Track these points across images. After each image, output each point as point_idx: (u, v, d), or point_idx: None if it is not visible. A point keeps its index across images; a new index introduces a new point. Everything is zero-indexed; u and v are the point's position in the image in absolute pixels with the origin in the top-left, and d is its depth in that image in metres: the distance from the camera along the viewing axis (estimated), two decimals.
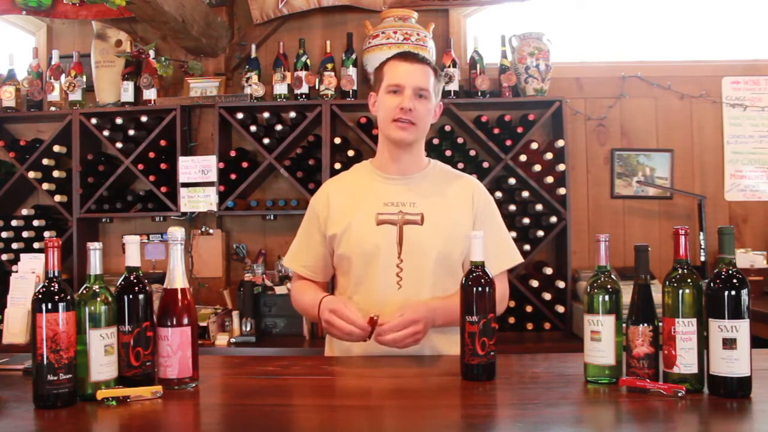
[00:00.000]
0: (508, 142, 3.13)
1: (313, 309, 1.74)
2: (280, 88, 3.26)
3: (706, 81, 3.43)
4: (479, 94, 3.22)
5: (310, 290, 1.85)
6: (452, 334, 1.64)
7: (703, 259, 3.12)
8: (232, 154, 3.25)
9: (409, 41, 3.12)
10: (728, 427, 1.18)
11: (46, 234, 3.34)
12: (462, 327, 1.42)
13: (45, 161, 3.29)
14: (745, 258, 3.17)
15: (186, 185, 3.21)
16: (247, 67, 3.33)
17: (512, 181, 3.15)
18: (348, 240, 1.75)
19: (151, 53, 3.27)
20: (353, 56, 3.30)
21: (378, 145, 1.88)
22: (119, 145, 3.23)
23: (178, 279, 1.41)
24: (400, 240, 1.71)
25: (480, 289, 1.41)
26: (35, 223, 3.31)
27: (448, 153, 3.07)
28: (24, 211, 3.41)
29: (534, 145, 3.16)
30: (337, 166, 3.10)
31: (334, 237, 1.79)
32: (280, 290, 3.11)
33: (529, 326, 3.12)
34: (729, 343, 1.25)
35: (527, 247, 3.11)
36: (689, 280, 1.31)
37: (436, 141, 3.15)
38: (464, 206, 1.79)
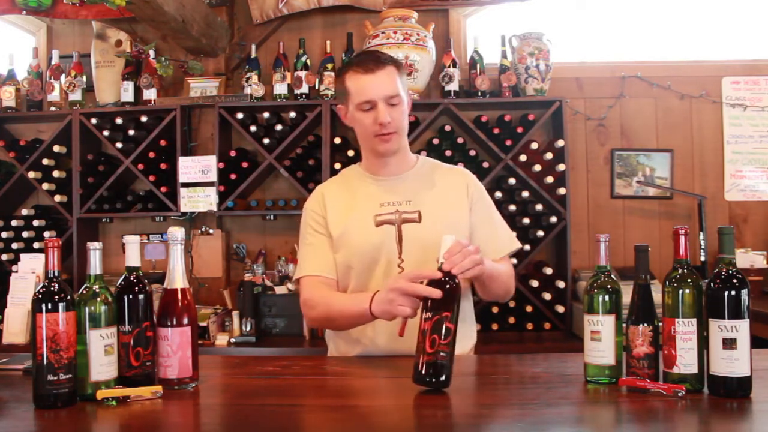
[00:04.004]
0: (508, 142, 3.13)
1: (362, 306, 1.55)
2: (280, 88, 3.26)
3: (706, 81, 3.43)
4: (479, 94, 3.22)
5: (341, 294, 1.74)
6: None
7: (703, 259, 3.12)
8: (232, 154, 3.25)
9: (409, 41, 3.12)
10: (728, 427, 1.18)
11: (46, 234, 3.34)
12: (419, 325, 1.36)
13: (45, 161, 3.29)
14: (745, 258, 3.17)
15: (186, 185, 3.21)
16: (247, 67, 3.33)
17: (512, 181, 3.15)
18: (348, 244, 1.73)
19: (151, 53, 3.27)
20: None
21: (362, 153, 1.86)
22: (119, 145, 3.23)
23: (178, 279, 1.41)
24: (400, 239, 1.70)
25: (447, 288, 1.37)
26: (35, 223, 3.31)
27: (448, 153, 3.06)
28: (24, 211, 3.41)
29: (534, 145, 3.16)
30: (337, 166, 3.10)
31: (333, 239, 1.77)
32: (280, 290, 3.10)
33: (529, 326, 3.12)
34: (729, 343, 1.25)
35: (527, 247, 3.11)
36: (689, 280, 1.31)
37: (436, 141, 3.16)
38: (460, 198, 1.78)
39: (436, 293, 1.35)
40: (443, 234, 1.46)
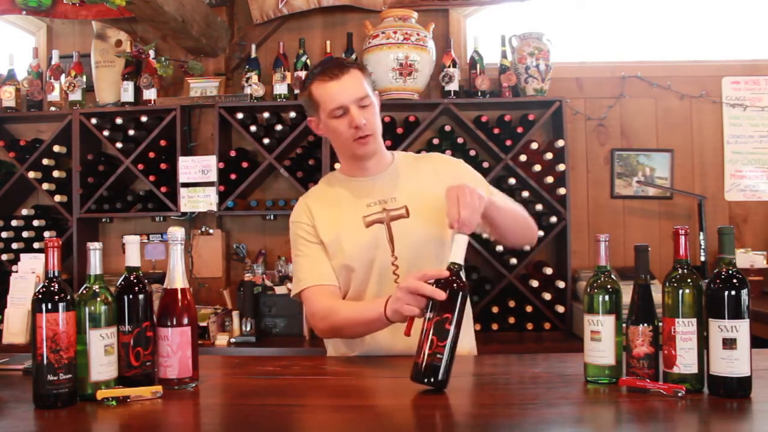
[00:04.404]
0: (508, 142, 3.13)
1: (377, 310, 1.54)
2: (280, 88, 3.26)
3: (706, 81, 3.43)
4: (479, 94, 3.22)
5: (351, 302, 1.72)
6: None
7: (703, 259, 3.12)
8: (232, 154, 3.25)
9: (409, 41, 3.12)
10: (728, 427, 1.18)
11: (46, 234, 3.34)
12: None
13: (45, 161, 3.29)
14: (745, 258, 3.17)
15: (186, 185, 3.21)
16: (247, 67, 3.33)
17: (512, 181, 3.15)
18: (342, 249, 1.72)
19: (151, 53, 3.28)
20: (353, 56, 3.30)
21: (340, 160, 1.85)
22: (119, 145, 3.23)
23: (178, 279, 1.41)
24: (391, 237, 1.70)
25: (450, 291, 1.36)
26: (35, 223, 3.31)
27: (448, 153, 3.06)
28: (24, 211, 3.41)
29: (534, 145, 3.16)
30: (337, 165, 3.08)
31: (325, 246, 1.75)
32: (280, 290, 3.10)
33: (529, 326, 3.12)
34: (729, 343, 1.25)
35: (527, 247, 3.11)
36: (689, 280, 1.31)
37: (436, 141, 3.16)
38: (442, 183, 1.75)
39: (440, 294, 1.36)
40: (429, 225, 1.49)
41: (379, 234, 1.71)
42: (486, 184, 1.84)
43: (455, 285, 1.37)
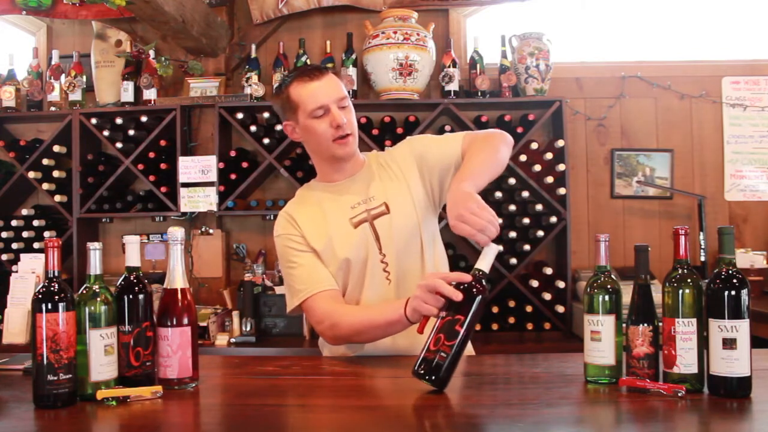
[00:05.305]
0: None
1: (398, 312, 1.52)
2: None
3: (706, 81, 3.43)
4: (479, 94, 3.22)
5: (364, 306, 1.69)
6: None
7: (703, 259, 3.12)
8: (232, 154, 3.25)
9: (409, 41, 3.13)
10: (728, 427, 1.18)
11: (46, 234, 3.34)
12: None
13: (45, 161, 3.29)
14: (745, 258, 3.17)
15: (186, 185, 3.21)
16: (247, 67, 3.33)
17: (512, 181, 3.15)
18: (334, 254, 1.71)
19: (151, 53, 3.28)
20: (353, 56, 3.31)
21: (316, 165, 1.84)
22: (119, 145, 3.23)
23: (178, 279, 1.41)
24: (376, 236, 1.71)
25: (468, 294, 1.37)
26: (35, 223, 3.31)
27: None
28: (24, 211, 3.41)
29: (534, 145, 3.16)
30: None
31: (318, 253, 1.74)
32: (280, 290, 3.10)
33: (529, 326, 3.12)
34: (729, 343, 1.25)
35: (527, 247, 3.11)
36: (689, 280, 1.31)
37: None
38: (411, 171, 1.77)
39: (457, 295, 1.36)
40: (408, 220, 1.62)
41: (367, 233, 1.72)
42: (444, 138, 1.83)
43: (474, 289, 1.37)
